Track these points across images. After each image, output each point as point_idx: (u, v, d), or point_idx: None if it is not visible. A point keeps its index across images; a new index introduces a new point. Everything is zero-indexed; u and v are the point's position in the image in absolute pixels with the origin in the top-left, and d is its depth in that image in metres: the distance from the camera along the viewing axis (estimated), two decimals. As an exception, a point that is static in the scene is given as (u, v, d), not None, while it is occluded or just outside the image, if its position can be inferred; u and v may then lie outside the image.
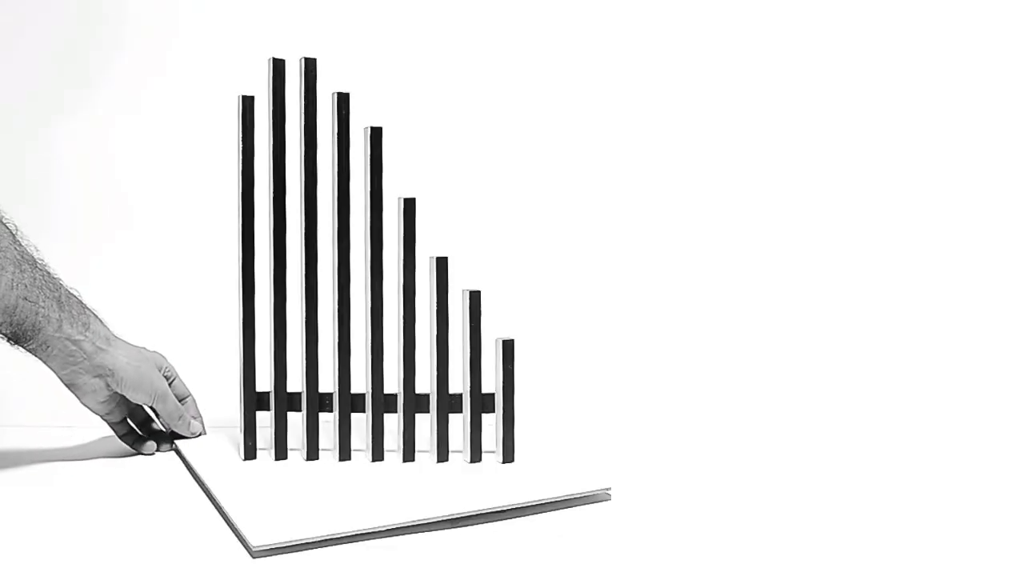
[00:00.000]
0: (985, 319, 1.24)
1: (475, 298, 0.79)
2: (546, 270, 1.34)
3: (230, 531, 0.64)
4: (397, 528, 0.64)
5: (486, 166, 1.41)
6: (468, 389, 0.79)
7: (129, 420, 0.84)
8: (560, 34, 1.43)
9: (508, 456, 0.79)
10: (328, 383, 0.80)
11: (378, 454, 0.79)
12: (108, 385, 0.78)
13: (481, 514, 0.67)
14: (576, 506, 0.71)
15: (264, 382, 0.80)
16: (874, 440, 0.92)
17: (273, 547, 0.60)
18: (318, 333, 0.79)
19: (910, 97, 1.37)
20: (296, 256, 0.80)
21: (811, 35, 1.41)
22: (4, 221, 0.75)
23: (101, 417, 0.82)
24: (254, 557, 0.59)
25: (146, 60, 1.39)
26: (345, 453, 0.80)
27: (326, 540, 0.61)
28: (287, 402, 0.80)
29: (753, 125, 1.41)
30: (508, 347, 0.79)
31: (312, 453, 0.79)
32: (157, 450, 0.84)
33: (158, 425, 0.86)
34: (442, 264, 0.79)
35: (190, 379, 0.88)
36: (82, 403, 0.80)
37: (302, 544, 0.61)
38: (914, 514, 0.70)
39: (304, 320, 0.79)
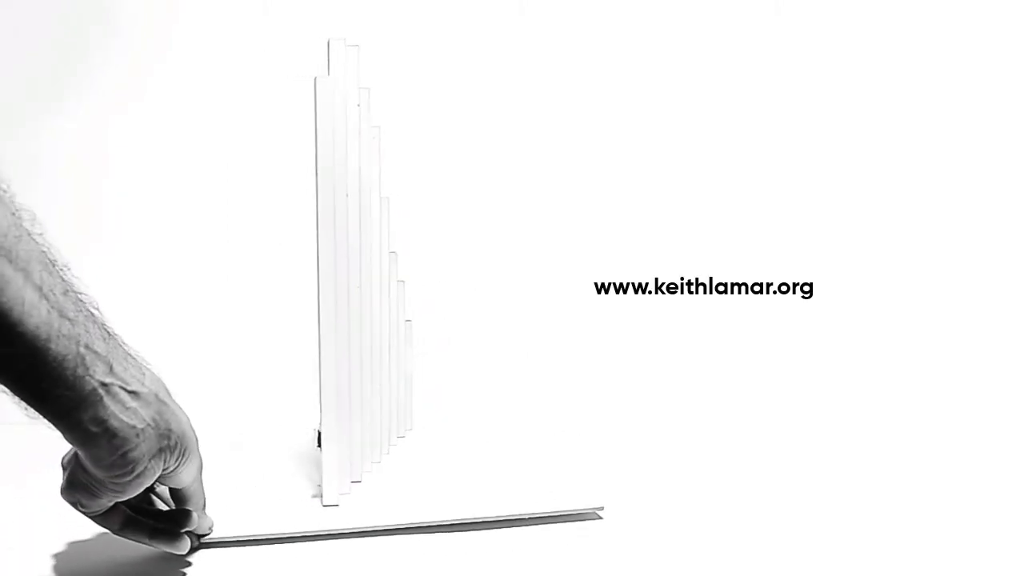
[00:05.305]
0: (984, 319, 1.19)
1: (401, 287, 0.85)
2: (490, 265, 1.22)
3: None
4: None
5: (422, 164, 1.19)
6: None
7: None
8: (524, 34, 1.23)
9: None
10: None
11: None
12: (164, 462, 0.49)
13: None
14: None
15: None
16: (867, 449, 0.88)
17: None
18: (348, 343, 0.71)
19: (910, 97, 1.25)
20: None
21: (799, 31, 1.26)
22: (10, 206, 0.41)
23: (96, 517, 0.52)
24: (600, 517, 0.68)
25: (138, 59, 1.21)
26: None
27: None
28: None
29: (713, 118, 1.26)
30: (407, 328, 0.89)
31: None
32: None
33: (162, 505, 0.57)
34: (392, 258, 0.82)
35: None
36: (103, 518, 0.52)
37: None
38: (909, 523, 0.67)
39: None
